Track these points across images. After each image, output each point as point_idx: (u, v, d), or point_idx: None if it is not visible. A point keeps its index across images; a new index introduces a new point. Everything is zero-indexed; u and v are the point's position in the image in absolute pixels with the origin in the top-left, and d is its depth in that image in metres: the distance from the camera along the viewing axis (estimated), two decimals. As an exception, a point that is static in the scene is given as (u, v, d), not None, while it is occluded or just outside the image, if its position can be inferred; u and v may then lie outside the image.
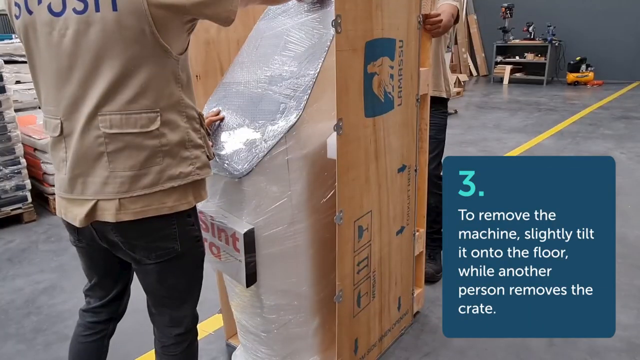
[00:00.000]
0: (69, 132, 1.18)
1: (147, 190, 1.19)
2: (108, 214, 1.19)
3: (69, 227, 1.33)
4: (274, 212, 1.57)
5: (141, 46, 1.12)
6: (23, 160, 3.60)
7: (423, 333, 2.21)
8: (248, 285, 1.62)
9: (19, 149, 3.56)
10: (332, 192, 1.67)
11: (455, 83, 9.10)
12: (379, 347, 2.03)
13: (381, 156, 1.77)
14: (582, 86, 9.73)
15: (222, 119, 1.66)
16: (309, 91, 1.52)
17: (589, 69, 9.75)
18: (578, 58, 9.78)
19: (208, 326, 2.32)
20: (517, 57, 10.57)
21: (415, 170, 2.04)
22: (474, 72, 11.74)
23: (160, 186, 1.20)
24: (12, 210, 3.55)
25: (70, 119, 1.17)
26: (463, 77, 9.62)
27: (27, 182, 3.61)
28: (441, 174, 2.61)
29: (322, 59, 1.54)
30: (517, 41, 10.52)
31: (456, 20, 2.29)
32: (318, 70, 1.53)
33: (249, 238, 1.55)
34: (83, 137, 1.17)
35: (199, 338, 2.20)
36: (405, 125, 1.90)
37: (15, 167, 3.56)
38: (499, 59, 10.71)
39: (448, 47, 2.64)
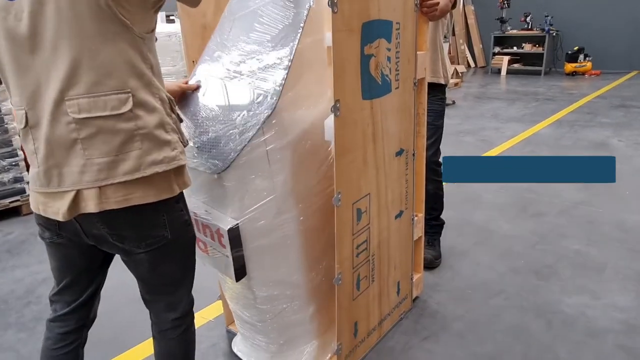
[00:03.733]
0: (35, 122, 1.13)
1: (128, 177, 1.13)
2: (91, 204, 1.13)
3: (47, 222, 1.25)
4: (258, 205, 1.53)
5: (99, 22, 1.06)
6: (21, 153, 3.59)
7: (422, 317, 2.22)
8: (237, 280, 1.61)
9: (17, 141, 3.54)
10: (318, 180, 1.64)
11: (453, 74, 9.09)
12: (378, 331, 2.04)
13: (379, 139, 1.76)
14: (580, 76, 9.71)
15: (197, 88, 1.60)
16: (284, 77, 1.45)
17: (587, 58, 9.73)
18: (576, 48, 9.76)
19: (208, 313, 2.32)
20: (515, 48, 10.54)
21: (413, 155, 2.04)
22: (472, 64, 11.72)
23: (142, 172, 1.14)
24: (10, 202, 3.54)
25: (35, 108, 1.12)
26: (461, 68, 9.59)
27: (25, 174, 3.60)
28: (440, 160, 2.62)
29: (296, 41, 1.47)
30: (514, 32, 10.49)
31: (454, 5, 2.29)
32: (293, 54, 1.46)
33: (234, 233, 1.51)
34: (53, 125, 1.10)
35: (199, 325, 2.23)
36: (403, 109, 1.89)
37: (12, 159, 3.56)
38: (497, 49, 10.68)
39: (445, 37, 2.63)
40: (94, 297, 1.43)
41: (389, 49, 1.71)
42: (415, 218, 2.17)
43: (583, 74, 9.75)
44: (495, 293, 2.39)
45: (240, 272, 1.60)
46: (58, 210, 1.15)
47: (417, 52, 1.92)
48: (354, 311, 1.83)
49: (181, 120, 1.32)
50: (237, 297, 1.81)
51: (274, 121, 1.46)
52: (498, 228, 3.11)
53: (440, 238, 2.76)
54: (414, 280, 2.26)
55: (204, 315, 2.30)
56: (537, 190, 3.70)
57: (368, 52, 1.60)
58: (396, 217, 1.99)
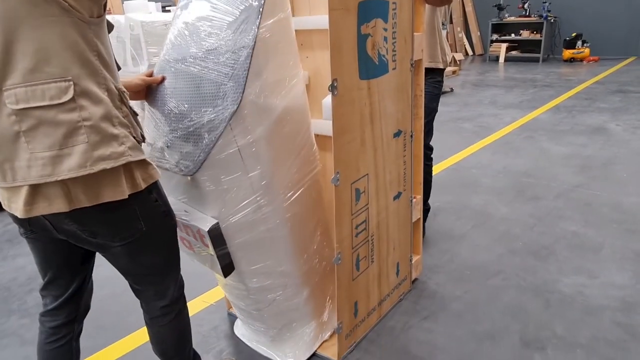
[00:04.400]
0: None
1: (73, 174, 1.04)
2: (52, 205, 1.07)
3: (17, 218, 1.20)
4: (237, 201, 1.49)
5: (32, 4, 0.98)
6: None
7: (422, 298, 2.25)
8: (226, 276, 1.60)
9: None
10: (298, 166, 1.59)
11: (450, 62, 9.06)
12: (378, 311, 2.06)
13: (376, 120, 1.77)
14: (578, 63, 9.69)
15: (162, 80, 1.48)
16: (247, 67, 1.36)
17: (585, 45, 9.70)
18: (574, 34, 9.72)
19: (209, 297, 2.34)
20: (513, 35, 10.51)
21: (411, 136, 2.05)
22: (470, 51, 11.68)
23: (89, 169, 1.05)
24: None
25: None
26: (459, 56, 9.55)
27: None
28: (431, 143, 2.63)
29: (256, 26, 1.38)
30: (512, 18, 10.45)
31: None
32: (253, 41, 1.37)
33: (215, 232, 1.48)
34: None
35: (200, 309, 2.25)
36: (400, 90, 1.89)
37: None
38: (495, 37, 10.65)
39: (443, 24, 2.63)
40: (81, 290, 1.39)
41: (385, 29, 1.71)
42: (414, 200, 2.18)
43: (581, 60, 9.72)
44: (493, 274, 2.41)
45: (227, 268, 1.58)
46: (18, 206, 1.10)
47: (414, 33, 1.92)
48: (353, 291, 1.85)
49: (136, 114, 1.24)
50: (230, 289, 1.82)
51: (241, 115, 1.39)
52: (496, 211, 3.12)
53: (426, 224, 2.77)
54: (413, 261, 2.28)
55: (206, 300, 2.32)
56: (535, 175, 3.72)
57: (365, 31, 1.60)
58: (394, 198, 2.01)
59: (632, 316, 2.05)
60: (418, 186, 2.27)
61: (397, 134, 1.93)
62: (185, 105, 1.42)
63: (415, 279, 2.37)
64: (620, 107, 5.78)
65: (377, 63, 1.70)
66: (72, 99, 1.03)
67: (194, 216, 1.51)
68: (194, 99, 1.41)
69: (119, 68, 1.24)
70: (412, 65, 1.94)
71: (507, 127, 5.16)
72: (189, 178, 1.45)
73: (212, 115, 1.38)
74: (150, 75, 1.51)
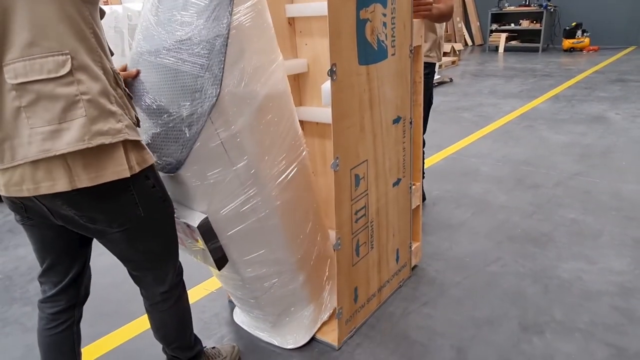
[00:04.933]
0: None
1: (71, 147, 1.04)
2: (55, 184, 1.07)
3: (14, 205, 1.20)
4: (225, 195, 1.47)
5: None
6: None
7: (421, 285, 2.26)
8: (220, 269, 1.59)
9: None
10: (284, 153, 1.57)
11: (450, 52, 9.04)
12: (378, 297, 2.08)
13: (375, 106, 1.77)
14: (577, 52, 9.66)
15: (137, 74, 1.45)
16: (223, 57, 1.32)
17: (585, 34, 9.66)
18: (574, 24, 9.68)
19: (210, 285, 2.35)
20: (512, 25, 10.46)
21: (411, 123, 2.05)
22: (469, 42, 11.63)
23: (88, 142, 1.05)
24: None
25: None
26: (458, 46, 9.53)
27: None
28: (424, 136, 2.64)
29: (229, 12, 1.34)
30: (512, 8, 10.40)
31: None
32: (227, 29, 1.32)
33: (205, 228, 1.46)
34: None
35: (201, 296, 2.27)
36: (399, 76, 1.89)
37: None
38: (494, 27, 10.60)
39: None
40: (81, 276, 1.39)
41: (384, 14, 1.70)
42: (413, 187, 2.19)
43: (581, 50, 9.69)
44: (492, 260, 2.43)
45: (220, 261, 1.57)
46: (19, 187, 1.09)
47: (413, 20, 1.91)
48: (353, 277, 1.86)
49: (130, 97, 1.25)
50: (225, 280, 1.82)
51: (221, 107, 1.35)
52: (495, 199, 3.13)
53: (424, 211, 2.80)
54: (412, 248, 2.29)
55: (207, 287, 2.34)
56: (534, 163, 3.72)
57: (363, 16, 1.60)
58: (394, 184, 2.01)
59: (630, 301, 2.06)
60: (417, 173, 2.28)
61: (396, 120, 1.93)
62: (163, 100, 1.38)
63: (415, 266, 2.39)
64: (620, 96, 5.78)
65: (376, 48, 1.70)
66: (70, 73, 1.04)
67: (182, 212, 1.49)
68: (171, 92, 1.37)
69: (112, 54, 1.24)
70: (411, 51, 1.93)
71: (506, 116, 5.16)
72: (172, 175, 1.42)
73: (191, 110, 1.34)
74: (125, 69, 1.47)
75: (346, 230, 1.75)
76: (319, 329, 1.94)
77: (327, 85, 1.54)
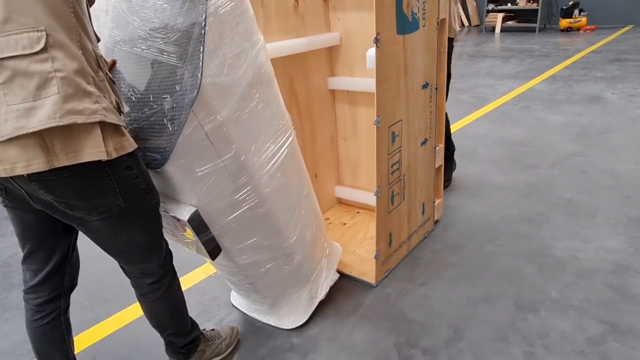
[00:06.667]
0: None
1: (42, 125, 1.01)
2: (31, 164, 1.04)
3: None
4: (213, 186, 1.44)
5: None
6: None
7: (418, 266, 2.28)
8: (214, 259, 1.58)
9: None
10: (273, 137, 1.55)
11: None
12: (407, 244, 2.35)
13: (409, 72, 1.99)
14: (575, 32, 9.60)
15: (113, 64, 1.41)
16: (201, 46, 1.26)
17: (582, 14, 9.59)
18: (571, 3, 9.60)
19: (208, 268, 2.37)
20: (509, 5, 10.36)
21: (436, 89, 2.26)
22: (466, 22, 11.54)
23: (59, 120, 1.02)
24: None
25: None
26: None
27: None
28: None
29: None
30: (509, -12, 10.30)
31: None
32: (204, 15, 1.26)
33: (195, 221, 1.43)
34: None
35: (200, 279, 2.28)
36: (428, 46, 2.10)
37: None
38: (491, 7, 10.50)
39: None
40: (63, 266, 1.35)
41: None
42: (437, 147, 2.42)
43: (578, 29, 9.63)
44: (488, 240, 2.45)
45: (214, 252, 1.55)
46: None
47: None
48: (389, 223, 2.12)
49: (114, 82, 1.21)
50: (220, 267, 1.82)
51: (203, 99, 1.30)
52: (492, 180, 3.14)
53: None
54: (435, 204, 2.52)
55: (205, 270, 2.35)
56: (531, 144, 3.73)
57: None
58: (422, 144, 2.24)
59: (624, 278, 2.08)
60: (441, 135, 2.51)
61: (424, 86, 2.15)
62: (143, 92, 1.33)
63: (437, 220, 2.57)
64: (617, 75, 5.76)
65: (410, 20, 1.91)
66: (44, 49, 1.02)
67: (171, 206, 1.45)
68: (151, 84, 1.32)
69: (98, 40, 1.21)
70: (438, 23, 2.14)
71: (503, 97, 5.15)
72: (158, 170, 1.39)
73: (173, 103, 1.29)
74: (114, 63, 1.43)
75: (384, 180, 2.00)
76: (357, 270, 2.20)
77: (371, 51, 1.75)
